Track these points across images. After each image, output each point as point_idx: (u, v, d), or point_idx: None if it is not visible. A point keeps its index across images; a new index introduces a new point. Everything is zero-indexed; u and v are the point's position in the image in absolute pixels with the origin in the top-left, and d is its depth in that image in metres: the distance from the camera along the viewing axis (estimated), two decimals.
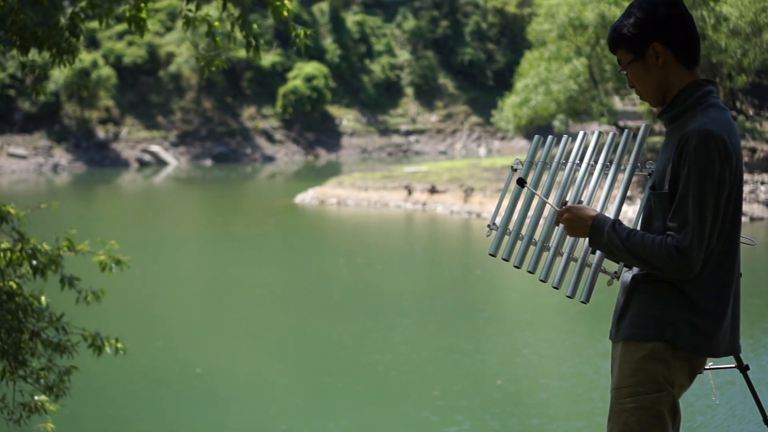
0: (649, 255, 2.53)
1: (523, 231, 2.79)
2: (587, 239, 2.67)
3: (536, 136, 2.98)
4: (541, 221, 2.80)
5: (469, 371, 10.45)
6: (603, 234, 2.59)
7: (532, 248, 2.77)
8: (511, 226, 2.82)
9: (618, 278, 2.68)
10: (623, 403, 2.65)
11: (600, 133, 2.89)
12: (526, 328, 12.60)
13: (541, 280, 2.72)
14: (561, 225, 2.73)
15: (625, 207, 20.36)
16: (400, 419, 8.96)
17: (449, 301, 14.17)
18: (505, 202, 2.90)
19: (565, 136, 2.93)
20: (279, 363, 11.05)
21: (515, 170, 2.94)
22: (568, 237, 2.75)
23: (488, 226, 2.86)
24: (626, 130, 2.82)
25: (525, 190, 2.86)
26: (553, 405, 9.38)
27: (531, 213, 2.83)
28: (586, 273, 2.71)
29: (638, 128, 2.85)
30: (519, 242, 2.79)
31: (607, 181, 2.77)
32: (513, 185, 2.88)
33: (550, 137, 2.94)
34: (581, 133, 2.91)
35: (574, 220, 2.65)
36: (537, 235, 2.77)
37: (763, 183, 22.90)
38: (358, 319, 12.97)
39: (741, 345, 2.84)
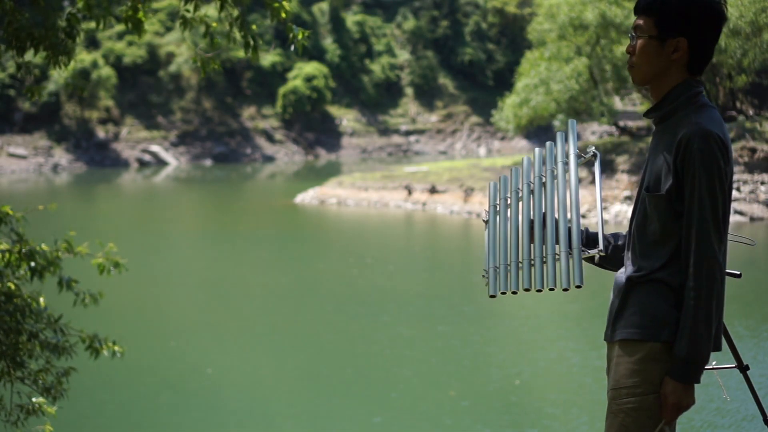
0: (709, 295, 2.55)
1: (510, 259, 2.82)
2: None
3: (490, 183, 3.00)
4: (520, 243, 2.81)
5: (485, 371, 10.41)
6: (697, 362, 2.56)
7: (521, 271, 2.79)
8: (499, 263, 2.85)
9: (604, 253, 2.69)
10: (620, 404, 2.64)
11: (541, 150, 2.88)
12: (542, 327, 12.55)
13: (538, 290, 2.73)
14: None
15: (626, 207, 20.02)
16: (414, 421, 8.89)
17: (462, 302, 14.11)
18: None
19: (515, 169, 2.93)
20: (291, 364, 10.95)
21: (486, 222, 2.95)
22: (545, 244, 2.74)
23: (482, 276, 2.88)
24: (559, 134, 2.83)
25: (486, 224, 2.93)
26: (574, 405, 9.32)
27: (510, 238, 2.85)
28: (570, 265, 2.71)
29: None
30: (509, 272, 2.81)
31: (559, 182, 2.76)
32: (489, 230, 2.92)
33: (503, 177, 2.97)
34: (525, 159, 2.92)
35: (680, 402, 2.59)
36: (521, 256, 2.79)
37: (763, 183, 22.88)
38: (370, 319, 12.89)
39: (738, 345, 2.88)
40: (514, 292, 2.77)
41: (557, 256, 2.68)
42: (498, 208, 2.92)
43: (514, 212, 2.86)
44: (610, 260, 2.89)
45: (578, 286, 2.62)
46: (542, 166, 2.84)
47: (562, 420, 8.83)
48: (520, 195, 2.86)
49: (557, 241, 2.71)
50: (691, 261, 2.56)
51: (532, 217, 2.80)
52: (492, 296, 2.82)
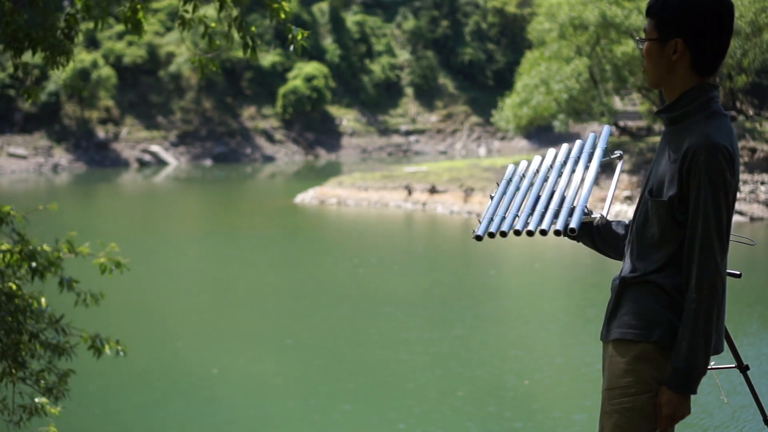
0: (709, 307, 2.55)
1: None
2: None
3: (510, 165, 3.03)
4: (523, 203, 2.84)
5: (495, 372, 10.38)
6: (694, 373, 2.58)
7: (517, 219, 2.81)
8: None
9: (605, 221, 2.80)
10: (614, 404, 2.66)
11: (569, 145, 2.99)
12: (561, 331, 12.49)
13: (529, 233, 2.70)
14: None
15: (626, 207, 20.01)
16: (438, 427, 8.84)
17: (468, 302, 14.06)
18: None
19: (538, 157, 2.99)
20: (301, 367, 10.86)
21: (492, 197, 2.97)
22: (548, 206, 2.78)
23: (478, 220, 2.93)
24: (591, 134, 2.90)
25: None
26: (583, 406, 9.29)
27: (515, 200, 2.89)
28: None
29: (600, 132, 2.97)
30: (504, 219, 2.85)
31: (576, 176, 2.84)
32: (497, 195, 2.95)
33: (523, 162, 3.02)
34: (549, 151, 2.99)
35: (674, 413, 2.62)
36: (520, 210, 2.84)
37: (763, 183, 22.89)
38: (376, 320, 12.82)
39: (738, 345, 2.88)
40: (503, 233, 2.75)
41: (558, 212, 2.71)
42: (510, 182, 2.96)
43: (527, 183, 2.91)
44: (609, 245, 2.93)
45: (572, 230, 2.65)
46: (566, 156, 2.94)
47: (587, 427, 8.80)
48: (536, 170, 2.93)
49: (560, 207, 2.75)
50: (693, 273, 2.56)
51: (540, 194, 2.83)
52: (478, 237, 2.82)
